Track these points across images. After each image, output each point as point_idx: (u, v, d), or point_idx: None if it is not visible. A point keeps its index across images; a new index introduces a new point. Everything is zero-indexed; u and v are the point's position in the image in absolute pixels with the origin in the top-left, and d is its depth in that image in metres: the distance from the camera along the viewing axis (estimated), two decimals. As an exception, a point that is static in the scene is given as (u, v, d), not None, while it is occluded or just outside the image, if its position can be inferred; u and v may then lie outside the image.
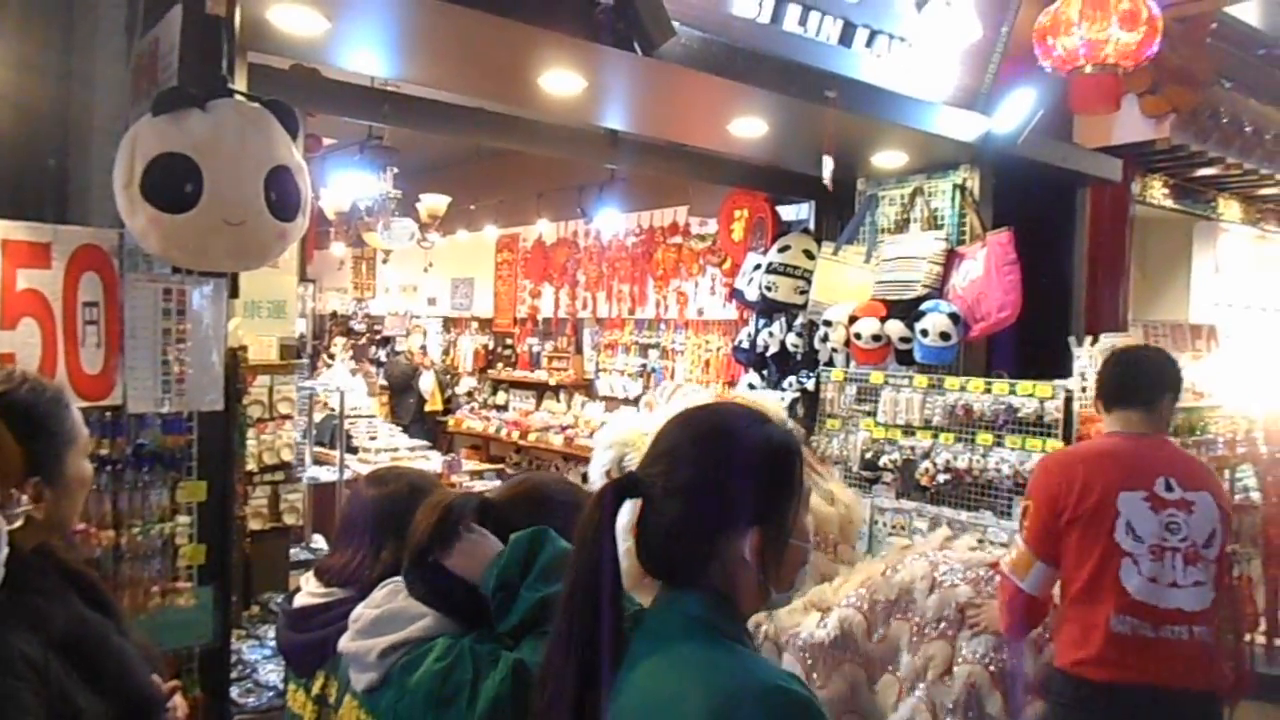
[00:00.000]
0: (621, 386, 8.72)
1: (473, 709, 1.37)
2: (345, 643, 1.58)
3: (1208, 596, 2.46)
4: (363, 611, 1.59)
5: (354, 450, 6.89)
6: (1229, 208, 6.34)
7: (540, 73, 3.43)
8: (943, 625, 2.77)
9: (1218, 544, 2.50)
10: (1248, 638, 4.50)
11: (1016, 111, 4.30)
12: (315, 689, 1.85)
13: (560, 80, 3.49)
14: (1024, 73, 4.26)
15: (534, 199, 8.47)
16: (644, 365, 8.59)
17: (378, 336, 12.07)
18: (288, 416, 4.26)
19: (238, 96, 2.35)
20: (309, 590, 1.91)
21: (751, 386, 5.56)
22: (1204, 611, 2.44)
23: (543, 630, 1.30)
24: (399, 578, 1.61)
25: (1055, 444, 3.70)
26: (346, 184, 7.33)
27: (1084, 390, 3.80)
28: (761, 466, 1.21)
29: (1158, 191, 5.74)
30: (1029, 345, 4.45)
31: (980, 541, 3.54)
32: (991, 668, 2.66)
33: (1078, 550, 2.48)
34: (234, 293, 2.74)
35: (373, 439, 7.30)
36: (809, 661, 2.89)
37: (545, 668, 1.20)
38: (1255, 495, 4.58)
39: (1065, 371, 3.86)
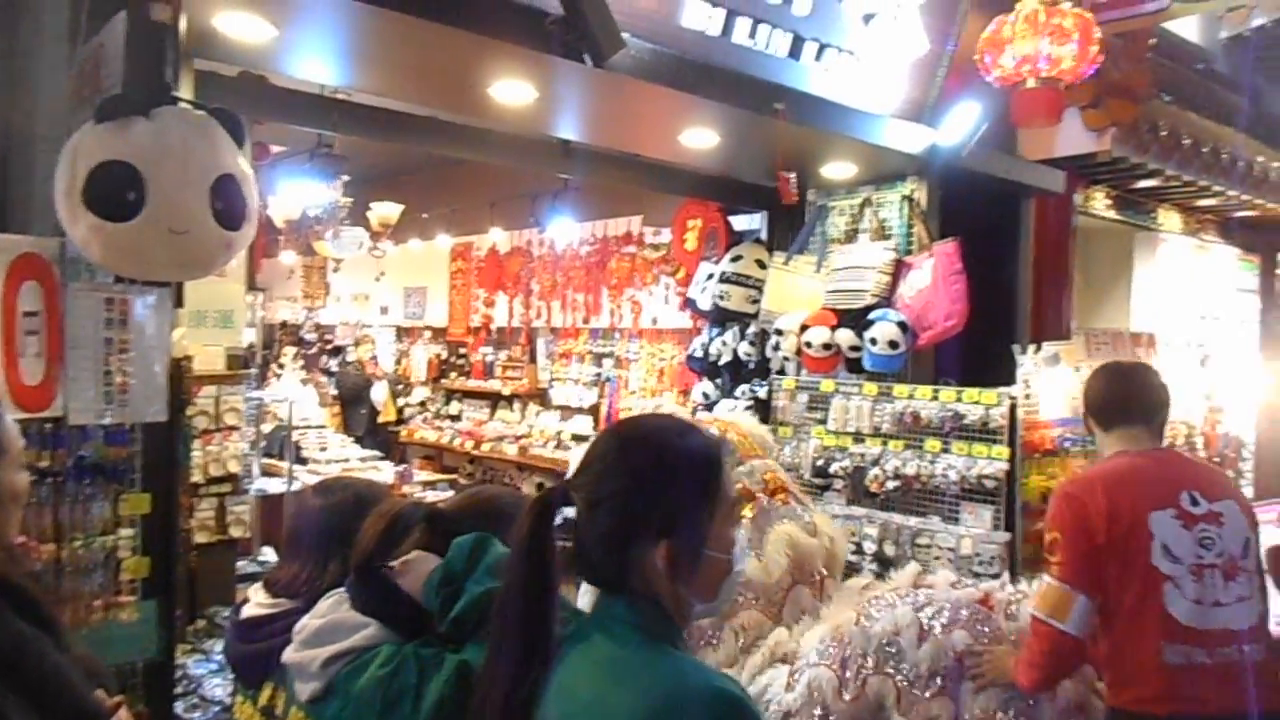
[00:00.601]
0: (576, 396, 8.71)
1: (417, 712, 1.37)
2: (289, 653, 1.57)
3: (1255, 611, 2.32)
4: (307, 622, 1.58)
5: (304, 461, 6.81)
6: (1169, 218, 6.51)
7: (490, 82, 3.44)
8: (940, 680, 2.42)
9: (1254, 553, 2.36)
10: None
11: (962, 124, 4.39)
12: (263, 700, 1.83)
13: (511, 90, 3.49)
14: (969, 86, 4.35)
15: (487, 208, 8.45)
16: (598, 374, 8.59)
17: (329, 346, 11.93)
18: (235, 427, 4.20)
19: (183, 104, 2.32)
20: (257, 601, 1.90)
21: (706, 396, 5.60)
22: (1253, 628, 2.30)
23: (489, 631, 1.31)
24: (342, 589, 1.60)
25: (1001, 450, 3.78)
26: (296, 192, 7.24)
27: (1028, 397, 3.88)
28: (672, 477, 1.23)
29: (1100, 203, 5.89)
30: (975, 353, 4.54)
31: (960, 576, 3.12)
32: None
33: (1116, 579, 2.28)
34: (179, 302, 2.71)
35: (323, 450, 7.22)
36: None
37: (482, 670, 1.22)
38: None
39: (1010, 378, 3.94)
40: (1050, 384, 4.00)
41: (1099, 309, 6.41)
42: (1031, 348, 4.00)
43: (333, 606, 1.59)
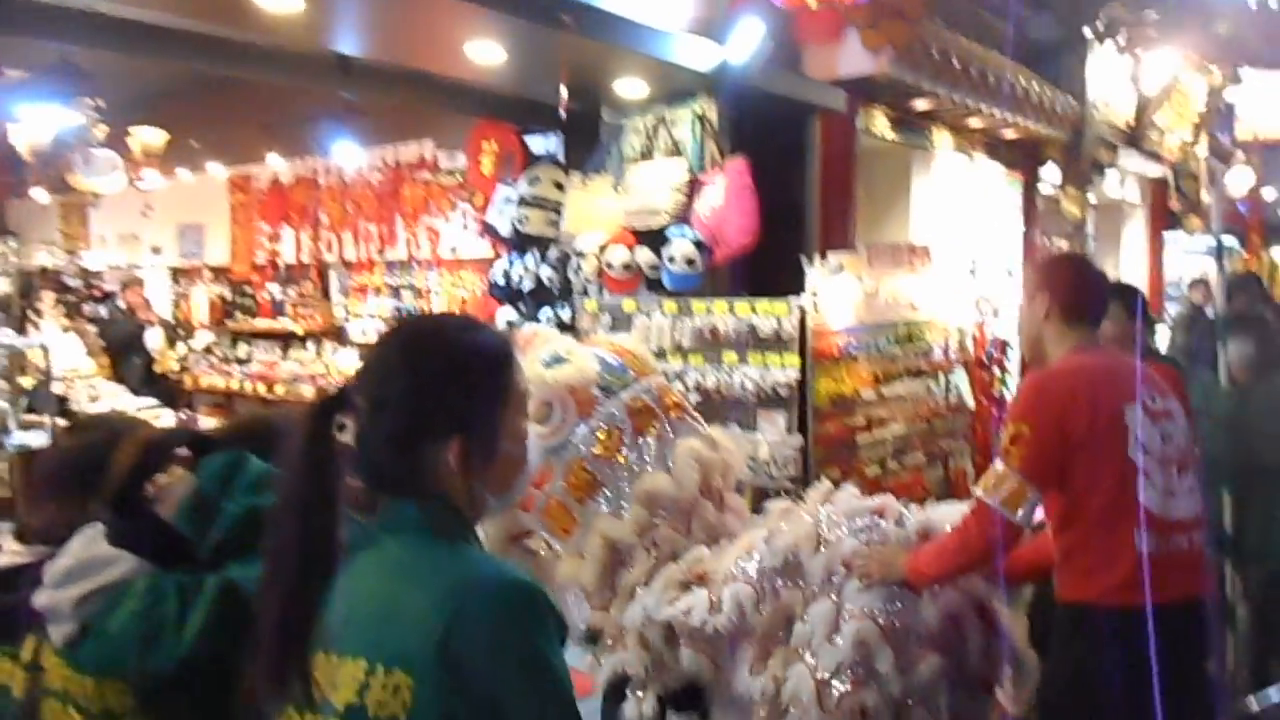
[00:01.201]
0: (375, 331, 8.39)
1: (180, 642, 1.27)
2: (39, 597, 1.43)
3: (1198, 502, 2.36)
4: (57, 562, 1.45)
5: (72, 414, 6.22)
6: (942, 138, 6.88)
7: (250, -16, 3.15)
8: (831, 585, 2.44)
9: (1193, 448, 2.41)
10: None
11: (748, 41, 4.43)
12: (26, 655, 1.66)
13: (274, -6, 3.22)
14: (754, 3, 4.39)
15: (262, 133, 7.86)
16: (397, 308, 8.29)
17: (96, 292, 10.92)
18: (-17, 378, 3.76)
19: None
20: (10, 550, 1.71)
21: (510, 323, 5.50)
22: (1197, 518, 2.35)
23: (252, 547, 1.21)
24: (97, 525, 1.47)
25: (792, 358, 3.91)
26: (40, 118, 6.48)
27: (816, 307, 4.02)
28: (462, 372, 1.20)
29: (880, 123, 6.13)
30: (768, 267, 4.65)
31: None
32: (880, 620, 2.34)
33: (1088, 472, 2.26)
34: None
35: (94, 402, 6.63)
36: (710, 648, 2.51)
37: (260, 590, 1.14)
38: (968, 398, 5.07)
39: (800, 290, 4.06)
40: (837, 294, 4.16)
41: (881, 223, 6.74)
42: (818, 259, 4.14)
43: (85, 544, 1.46)
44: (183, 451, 1.57)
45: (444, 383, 1.18)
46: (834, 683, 2.30)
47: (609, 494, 2.67)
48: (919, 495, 4.23)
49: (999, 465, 2.30)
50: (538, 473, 2.71)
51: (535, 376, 2.80)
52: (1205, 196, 11.66)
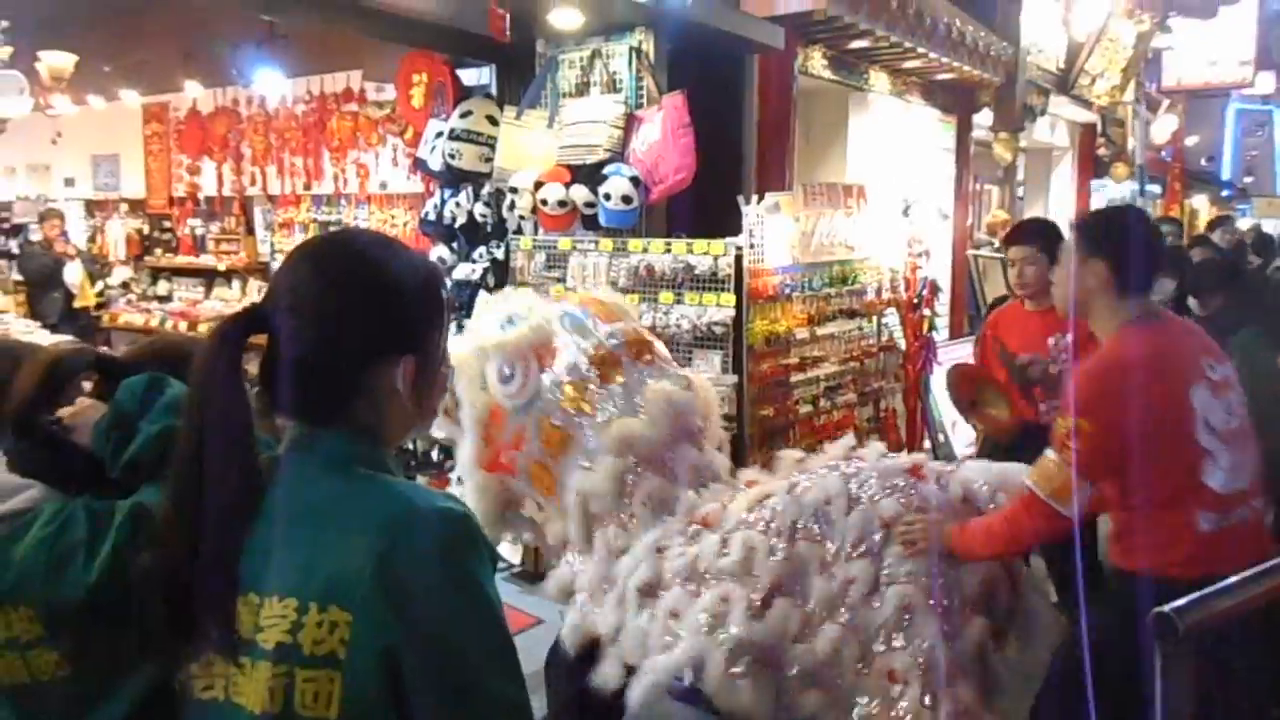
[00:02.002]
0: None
1: (90, 567, 1.22)
2: None
3: (1254, 467, 2.28)
4: None
5: (-19, 352, 5.97)
6: (879, 80, 6.89)
7: (162, -105, 2.96)
8: (864, 545, 2.37)
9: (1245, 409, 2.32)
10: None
11: (687, -28, 4.33)
12: None
13: (189, -94, 3.03)
14: (694, -67, 4.28)
15: (180, 60, 7.50)
16: (325, 243, 8.08)
17: (5, 225, 10.42)
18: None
19: None
20: None
21: (442, 260, 5.39)
22: (1254, 484, 2.28)
23: (166, 472, 1.16)
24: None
25: (728, 297, 3.91)
26: (-63, 37, 6.10)
27: (752, 247, 4.01)
28: (410, 292, 1.16)
29: (817, 63, 6.11)
30: (704, 206, 4.62)
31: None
32: (924, 585, 2.28)
33: (1153, 460, 2.18)
34: None
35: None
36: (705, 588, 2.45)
37: (169, 521, 1.09)
38: (899, 337, 5.14)
39: (736, 230, 4.05)
40: (773, 233, 4.15)
41: (818, 164, 6.76)
42: (755, 199, 4.12)
43: None
44: (89, 376, 1.50)
45: (394, 301, 1.14)
46: (875, 646, 2.26)
47: (583, 447, 2.62)
48: (850, 433, 4.28)
49: (1052, 456, 2.22)
50: (514, 435, 2.66)
51: (493, 340, 2.74)
52: (1131, 143, 11.92)
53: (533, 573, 4.45)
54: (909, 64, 6.84)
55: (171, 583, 1.08)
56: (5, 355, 1.65)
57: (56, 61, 6.73)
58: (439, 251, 5.47)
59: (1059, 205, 11.23)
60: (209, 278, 8.98)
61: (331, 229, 7.84)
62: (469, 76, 5.47)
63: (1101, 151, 11.62)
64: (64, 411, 1.36)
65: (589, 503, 2.62)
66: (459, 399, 2.79)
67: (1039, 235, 3.75)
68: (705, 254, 3.99)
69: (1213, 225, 10.36)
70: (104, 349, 6.95)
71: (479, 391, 2.76)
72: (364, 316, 1.11)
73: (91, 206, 10.00)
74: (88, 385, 1.54)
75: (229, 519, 1.07)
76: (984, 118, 8.34)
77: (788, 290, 4.23)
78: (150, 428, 1.28)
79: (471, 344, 2.80)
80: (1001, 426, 3.76)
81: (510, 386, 2.69)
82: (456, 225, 5.33)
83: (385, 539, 1.04)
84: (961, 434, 5.55)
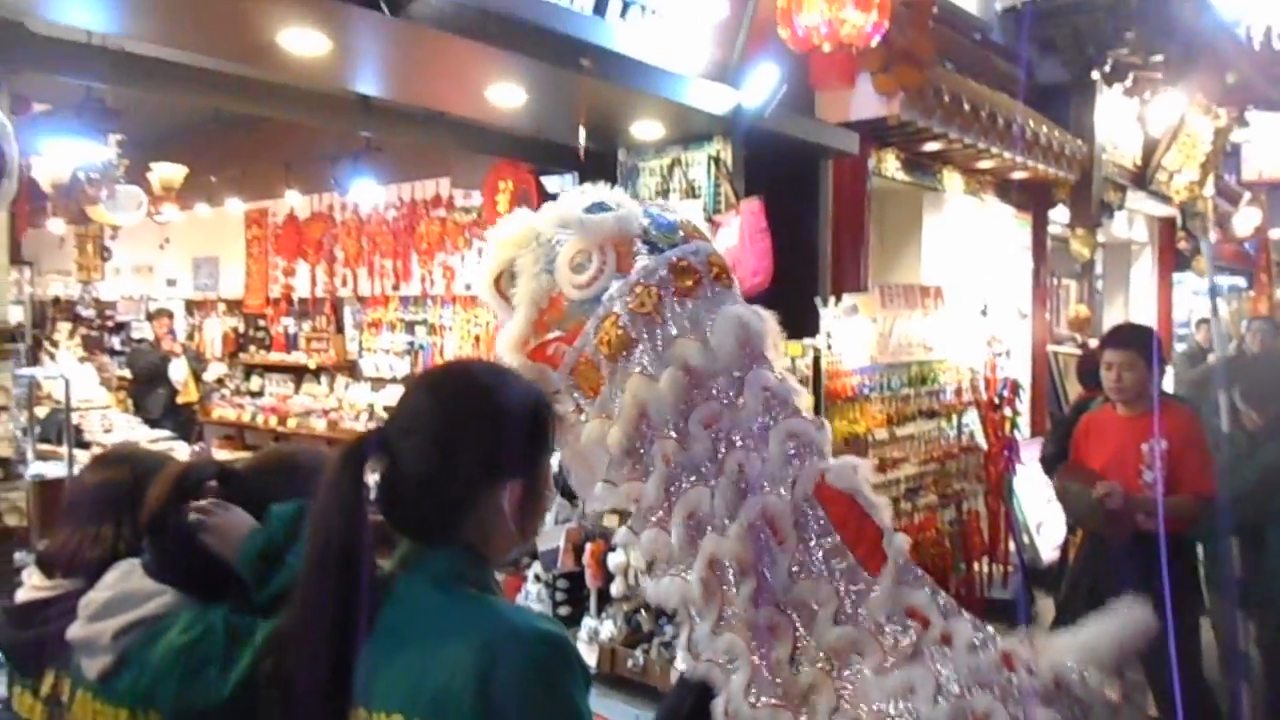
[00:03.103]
0: (388, 366, 8.43)
1: (225, 680, 1.28)
2: (74, 630, 1.44)
3: None
4: (92, 596, 1.45)
5: (86, 445, 6.25)
6: (952, 180, 6.94)
7: (278, 30, 3.22)
8: None
9: None
10: (976, 566, 5.00)
11: (763, 86, 4.49)
12: (45, 689, 1.67)
13: (301, 39, 3.28)
14: (769, 49, 4.46)
15: (282, 170, 7.97)
16: (411, 343, 8.33)
17: (109, 323, 10.99)
18: (3, 408, 3.80)
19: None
20: (32, 584, 1.72)
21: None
22: None
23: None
24: (132, 559, 1.48)
25: (806, 399, 3.92)
26: (63, 152, 6.58)
27: (830, 348, 4.05)
28: (521, 420, 1.23)
29: (891, 165, 6.20)
30: (781, 308, 4.63)
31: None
32: None
33: None
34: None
35: (108, 432, 6.66)
36: None
37: (291, 636, 1.15)
38: (980, 437, 5.08)
39: (814, 331, 4.09)
40: (850, 335, 4.19)
41: (893, 264, 6.79)
42: (832, 300, 4.17)
43: (121, 577, 1.47)
44: (212, 484, 1.59)
45: (508, 429, 1.20)
46: None
47: (644, 353, 2.36)
48: (931, 537, 4.19)
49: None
50: (571, 329, 2.47)
51: (574, 221, 2.51)
52: (1211, 236, 11.71)
53: (608, 674, 4.42)
54: (983, 164, 6.89)
55: (290, 695, 1.14)
56: (130, 463, 1.77)
57: (168, 173, 7.20)
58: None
59: (1139, 300, 11.03)
60: (299, 374, 9.31)
61: (423, 346, 8.12)
62: (552, 184, 5.69)
63: (1182, 245, 11.43)
64: (210, 519, 1.44)
65: (647, 409, 2.37)
66: (516, 271, 2.46)
67: (1137, 340, 3.69)
68: (784, 355, 4.03)
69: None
70: (199, 445, 7.23)
71: (543, 272, 2.44)
72: (478, 442, 1.18)
73: (191, 306, 10.51)
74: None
75: (346, 635, 1.12)
76: (1060, 214, 8.31)
77: (866, 391, 4.24)
78: (296, 560, 1.35)
79: (550, 217, 2.49)
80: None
81: (581, 276, 2.41)
82: (537, 325, 5.47)
83: (487, 658, 1.08)
84: (1047, 536, 5.40)
